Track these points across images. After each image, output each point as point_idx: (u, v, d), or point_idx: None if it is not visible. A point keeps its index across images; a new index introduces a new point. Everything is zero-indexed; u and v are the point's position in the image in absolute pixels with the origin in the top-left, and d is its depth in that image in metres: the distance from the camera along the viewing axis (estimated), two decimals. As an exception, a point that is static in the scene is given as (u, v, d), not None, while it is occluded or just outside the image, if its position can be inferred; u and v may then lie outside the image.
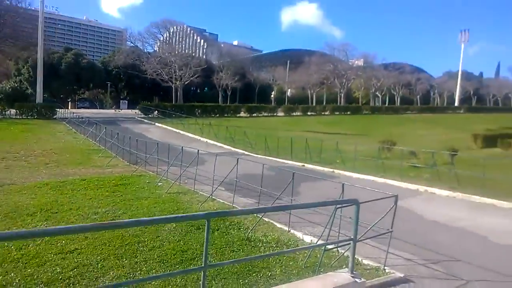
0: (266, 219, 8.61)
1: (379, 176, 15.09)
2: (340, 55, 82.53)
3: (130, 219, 7.44)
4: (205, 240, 3.87)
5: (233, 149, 23.14)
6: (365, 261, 6.45)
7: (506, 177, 12.96)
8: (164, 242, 7.01)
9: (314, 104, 74.87)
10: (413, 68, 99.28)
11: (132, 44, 68.25)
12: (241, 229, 7.97)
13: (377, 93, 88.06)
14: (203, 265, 3.89)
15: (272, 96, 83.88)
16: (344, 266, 5.76)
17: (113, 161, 16.68)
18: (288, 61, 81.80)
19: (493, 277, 6.19)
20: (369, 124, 43.48)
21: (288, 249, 6.77)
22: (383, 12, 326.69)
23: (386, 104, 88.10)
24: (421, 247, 7.44)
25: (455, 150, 17.79)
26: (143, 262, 6.14)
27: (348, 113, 63.36)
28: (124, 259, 6.24)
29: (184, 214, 6.57)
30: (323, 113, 61.28)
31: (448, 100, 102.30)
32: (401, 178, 14.45)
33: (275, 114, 56.52)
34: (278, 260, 6.34)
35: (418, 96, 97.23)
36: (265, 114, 54.96)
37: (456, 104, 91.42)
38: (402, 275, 6.01)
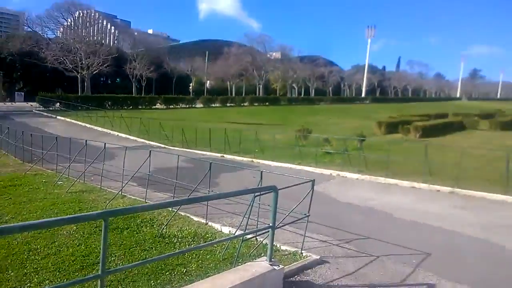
0: (182, 213, 8.11)
1: (296, 163, 15.46)
2: (259, 47, 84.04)
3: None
4: (102, 243, 3.31)
5: (147, 142, 21.92)
6: (284, 247, 6.39)
7: (406, 159, 14.24)
8: (62, 247, 6.15)
9: (233, 95, 75.10)
10: (326, 61, 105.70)
11: (29, 29, 60.91)
12: (155, 226, 7.38)
13: (293, 84, 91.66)
14: (100, 273, 3.32)
15: (191, 87, 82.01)
16: (262, 254, 5.60)
17: (3, 160, 14.65)
18: (207, 52, 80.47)
19: (400, 251, 6.60)
20: (287, 114, 44.82)
21: (205, 243, 6.40)
22: (298, 5, 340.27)
23: (302, 95, 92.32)
24: (336, 228, 7.65)
25: (363, 136, 19.03)
26: (34, 273, 5.28)
27: (267, 104, 65.00)
28: (10, 271, 5.34)
29: (77, 215, 5.72)
30: (242, 104, 61.95)
31: (356, 92, 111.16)
32: (316, 164, 14.97)
33: (193, 105, 55.40)
34: (194, 255, 5.95)
35: (330, 88, 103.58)
36: (183, 105, 53.61)
37: (363, 95, 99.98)
38: (318, 257, 6.06)
